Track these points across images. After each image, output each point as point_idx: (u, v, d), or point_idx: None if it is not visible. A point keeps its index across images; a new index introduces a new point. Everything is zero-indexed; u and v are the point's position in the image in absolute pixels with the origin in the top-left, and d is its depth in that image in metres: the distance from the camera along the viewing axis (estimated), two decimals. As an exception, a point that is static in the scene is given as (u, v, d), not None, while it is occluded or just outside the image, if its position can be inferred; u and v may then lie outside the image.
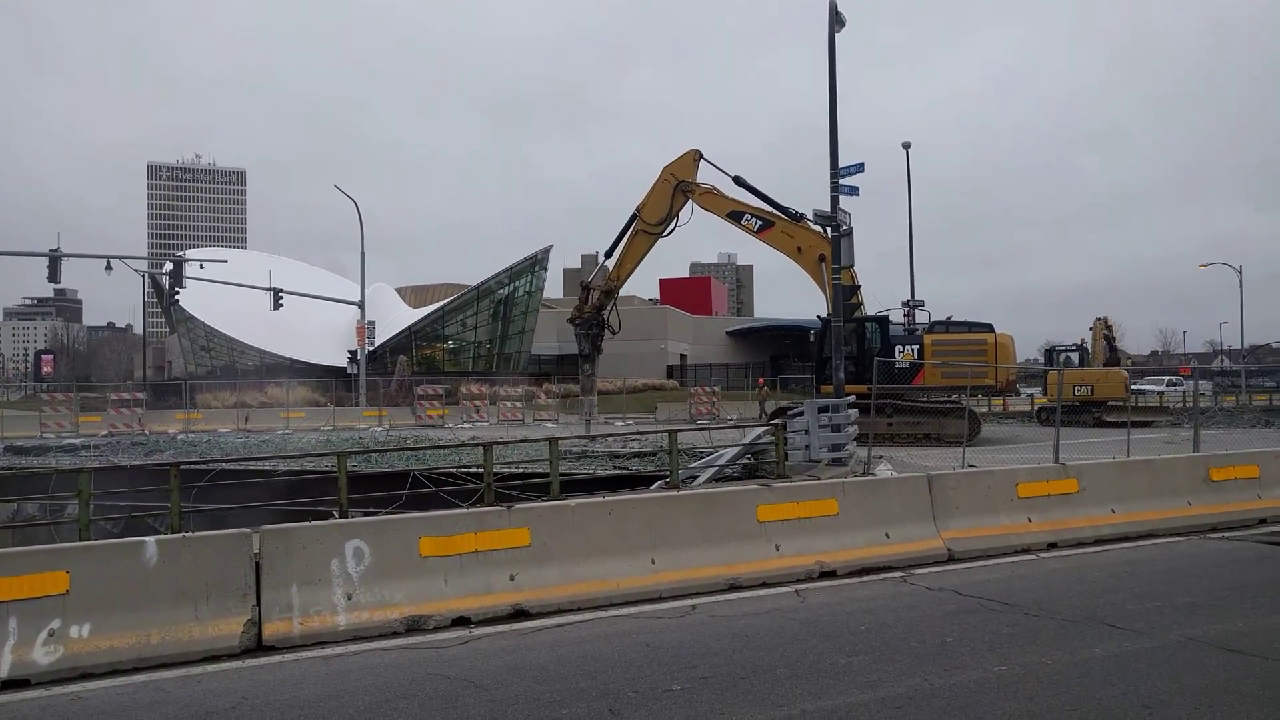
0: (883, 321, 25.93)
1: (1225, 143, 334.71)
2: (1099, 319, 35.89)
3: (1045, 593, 8.16)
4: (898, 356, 24.61)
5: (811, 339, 27.01)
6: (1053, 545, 10.37)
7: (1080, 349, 34.70)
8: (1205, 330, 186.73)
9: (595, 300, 26.18)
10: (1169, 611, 7.39)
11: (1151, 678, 5.75)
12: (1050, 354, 36.07)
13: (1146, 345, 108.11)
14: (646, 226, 25.13)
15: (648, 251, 25.61)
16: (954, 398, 25.28)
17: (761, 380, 46.30)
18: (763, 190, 24.50)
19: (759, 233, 24.36)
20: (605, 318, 26.33)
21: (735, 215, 24.61)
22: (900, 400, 24.59)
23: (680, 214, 24.94)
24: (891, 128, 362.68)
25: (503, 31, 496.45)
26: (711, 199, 24.74)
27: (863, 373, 22.98)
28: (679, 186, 24.65)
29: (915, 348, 24.87)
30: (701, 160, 24.90)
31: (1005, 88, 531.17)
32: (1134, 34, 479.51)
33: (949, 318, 27.47)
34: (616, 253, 25.83)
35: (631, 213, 25.38)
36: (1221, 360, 71.88)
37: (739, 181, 24.46)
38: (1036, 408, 36.43)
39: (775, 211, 24.10)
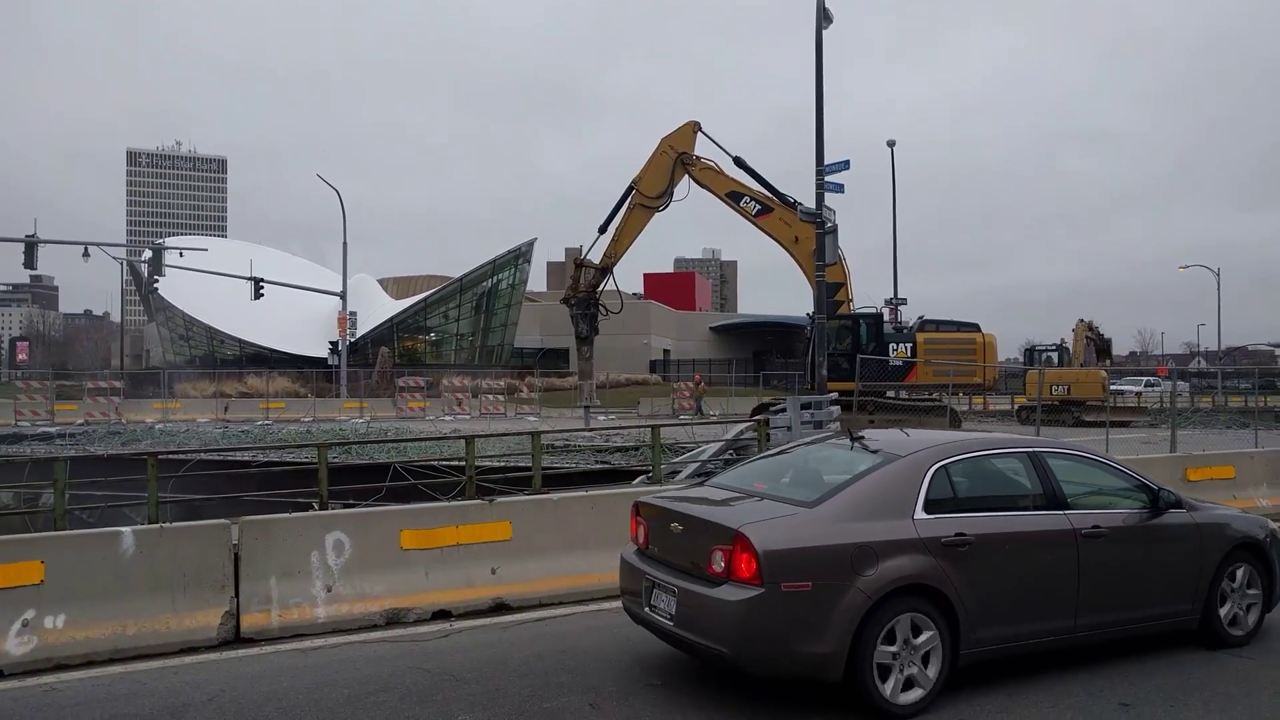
0: (876, 319, 25.89)
1: (1213, 146, 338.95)
2: (1081, 320, 36.27)
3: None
4: (891, 355, 24.53)
5: (808, 334, 26.82)
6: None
7: (1060, 349, 35.02)
8: (1183, 332, 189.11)
9: (590, 278, 25.22)
10: (1145, 610, 7.45)
11: (1128, 677, 5.81)
12: (1030, 354, 36.41)
13: (1125, 346, 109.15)
14: (645, 200, 24.29)
15: (645, 226, 24.79)
16: (935, 396, 25.39)
17: (698, 376, 45.87)
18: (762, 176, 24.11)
19: (757, 216, 23.94)
20: (598, 296, 25.64)
21: (734, 196, 24.08)
22: (882, 398, 24.66)
23: (676, 190, 24.21)
24: (881, 125, 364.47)
25: (491, 20, 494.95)
26: (711, 175, 24.15)
27: (856, 369, 23.01)
28: (679, 159, 24.00)
29: (908, 346, 24.84)
30: (699, 134, 24.15)
31: (995, 88, 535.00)
32: (1125, 36, 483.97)
33: (920, 317, 27.55)
34: (612, 227, 24.83)
35: (627, 186, 24.59)
36: (1198, 362, 72.73)
37: (739, 162, 23.89)
38: (1017, 406, 36.78)
39: (774, 198, 23.76)
